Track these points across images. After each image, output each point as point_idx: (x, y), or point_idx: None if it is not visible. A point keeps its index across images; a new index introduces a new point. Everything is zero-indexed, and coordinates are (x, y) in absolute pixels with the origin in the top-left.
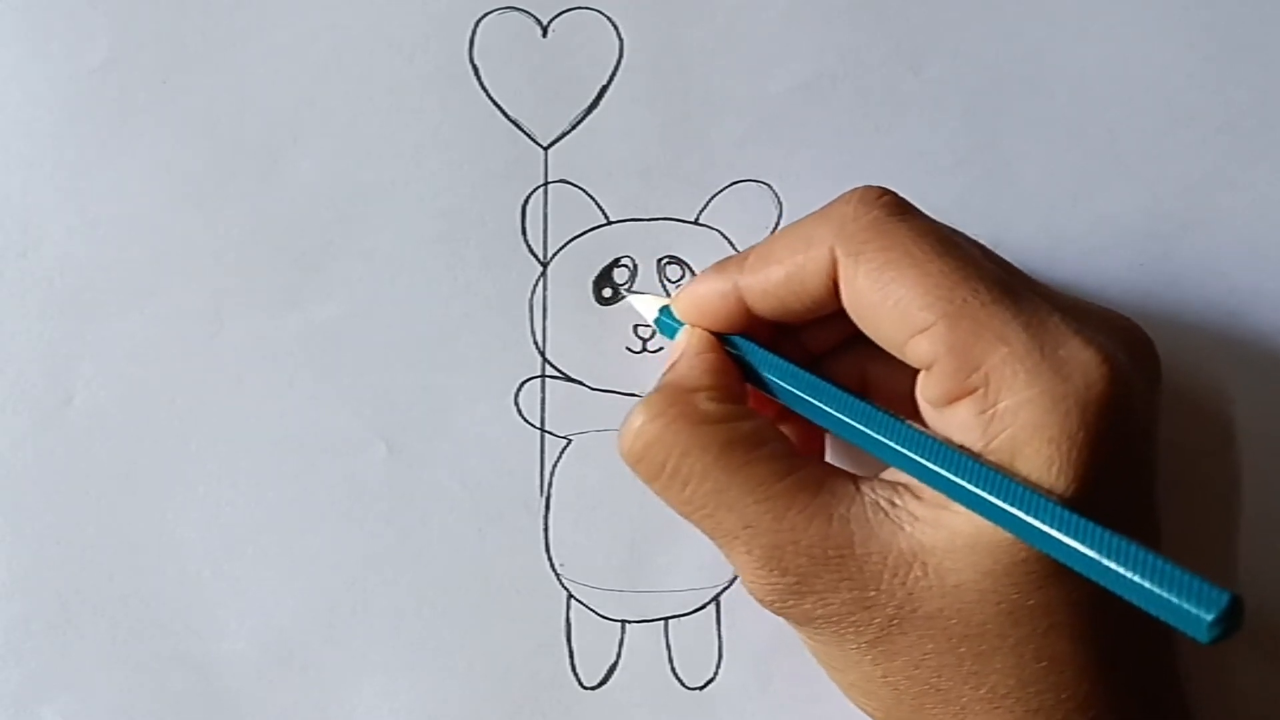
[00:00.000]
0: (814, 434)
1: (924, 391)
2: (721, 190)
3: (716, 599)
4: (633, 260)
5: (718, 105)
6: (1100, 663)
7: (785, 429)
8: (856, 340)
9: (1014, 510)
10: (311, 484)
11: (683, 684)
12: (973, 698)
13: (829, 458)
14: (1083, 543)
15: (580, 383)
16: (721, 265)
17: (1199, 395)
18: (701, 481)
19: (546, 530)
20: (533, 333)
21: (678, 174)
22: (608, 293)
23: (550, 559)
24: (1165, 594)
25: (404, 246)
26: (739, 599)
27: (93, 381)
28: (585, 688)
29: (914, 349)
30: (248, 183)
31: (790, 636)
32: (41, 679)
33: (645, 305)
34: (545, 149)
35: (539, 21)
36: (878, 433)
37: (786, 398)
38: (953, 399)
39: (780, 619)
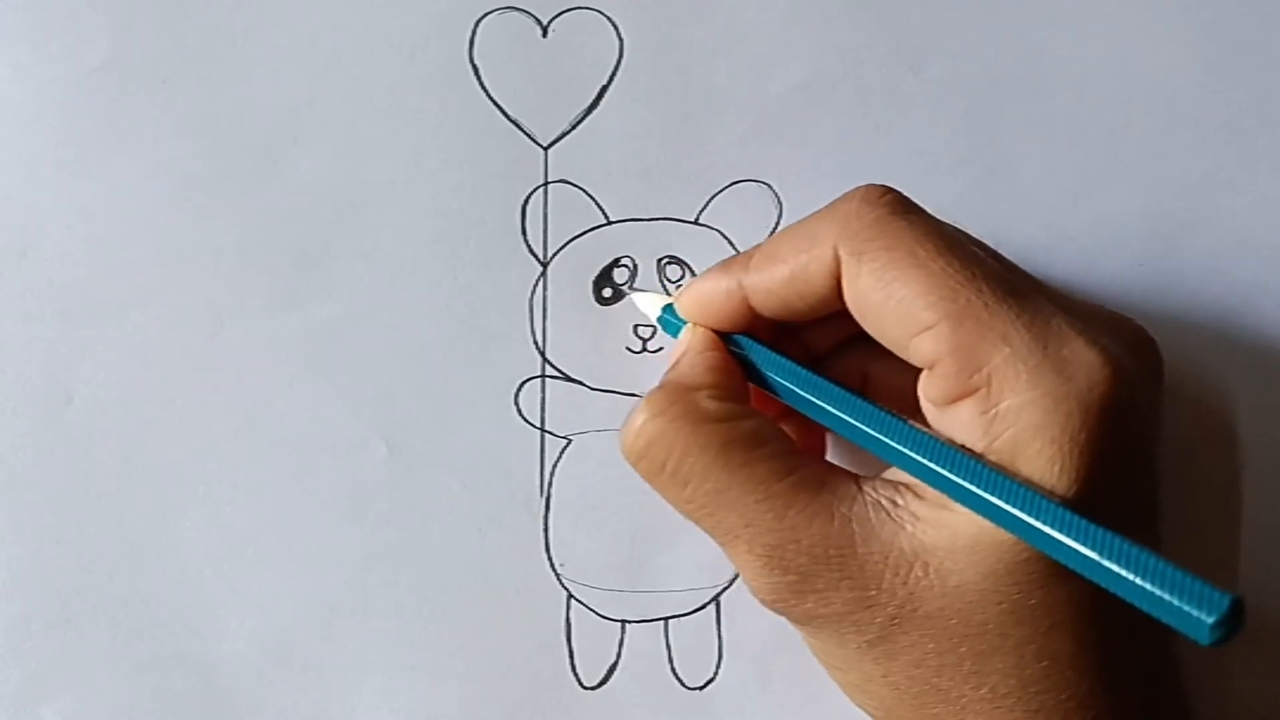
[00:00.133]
0: (816, 433)
1: (926, 391)
2: (721, 190)
3: (716, 599)
4: (633, 260)
5: (718, 105)
6: (1101, 663)
7: (787, 428)
8: (858, 340)
9: (1015, 511)
10: (311, 484)
11: (683, 684)
12: (973, 697)
13: (830, 457)
14: (1083, 544)
15: (580, 383)
16: (725, 264)
17: (1200, 395)
18: (702, 480)
19: (546, 530)
20: (533, 333)
21: (678, 174)
22: (608, 293)
23: (550, 559)
24: (1166, 596)
25: (404, 246)
26: (739, 599)
27: (93, 381)
28: (585, 688)
29: (917, 348)
30: (248, 183)
31: (790, 636)
32: (41, 679)
33: (648, 303)
34: (545, 149)
35: (539, 21)
36: (879, 432)
37: (789, 397)
38: (955, 399)
39: (781, 619)
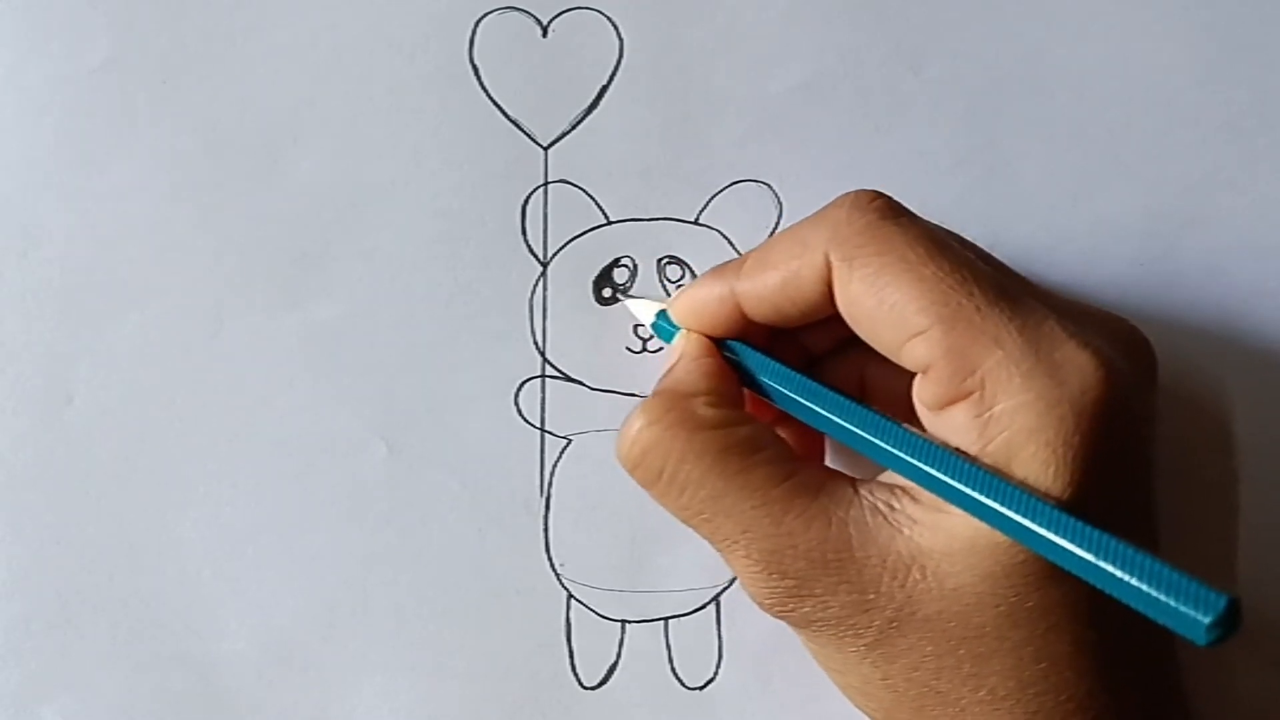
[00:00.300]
0: (814, 437)
1: (920, 395)
2: (721, 190)
3: (716, 599)
4: (633, 260)
5: (718, 105)
6: (1100, 664)
7: (783, 432)
8: (854, 342)
9: (1010, 513)
10: (311, 484)
11: (683, 684)
12: (972, 699)
13: (829, 460)
14: (1079, 545)
15: (580, 383)
16: (718, 270)
17: (1198, 395)
18: (699, 487)
19: (546, 530)
20: (533, 333)
21: (678, 174)
22: (608, 293)
23: (550, 559)
24: (1162, 597)
25: (404, 246)
26: (739, 599)
27: (93, 381)
28: (585, 688)
29: (909, 353)
30: (248, 183)
31: (790, 636)
32: (41, 679)
33: (642, 309)
34: (545, 149)
35: (539, 21)
36: (874, 436)
37: (783, 402)
38: (949, 402)
39: (782, 622)
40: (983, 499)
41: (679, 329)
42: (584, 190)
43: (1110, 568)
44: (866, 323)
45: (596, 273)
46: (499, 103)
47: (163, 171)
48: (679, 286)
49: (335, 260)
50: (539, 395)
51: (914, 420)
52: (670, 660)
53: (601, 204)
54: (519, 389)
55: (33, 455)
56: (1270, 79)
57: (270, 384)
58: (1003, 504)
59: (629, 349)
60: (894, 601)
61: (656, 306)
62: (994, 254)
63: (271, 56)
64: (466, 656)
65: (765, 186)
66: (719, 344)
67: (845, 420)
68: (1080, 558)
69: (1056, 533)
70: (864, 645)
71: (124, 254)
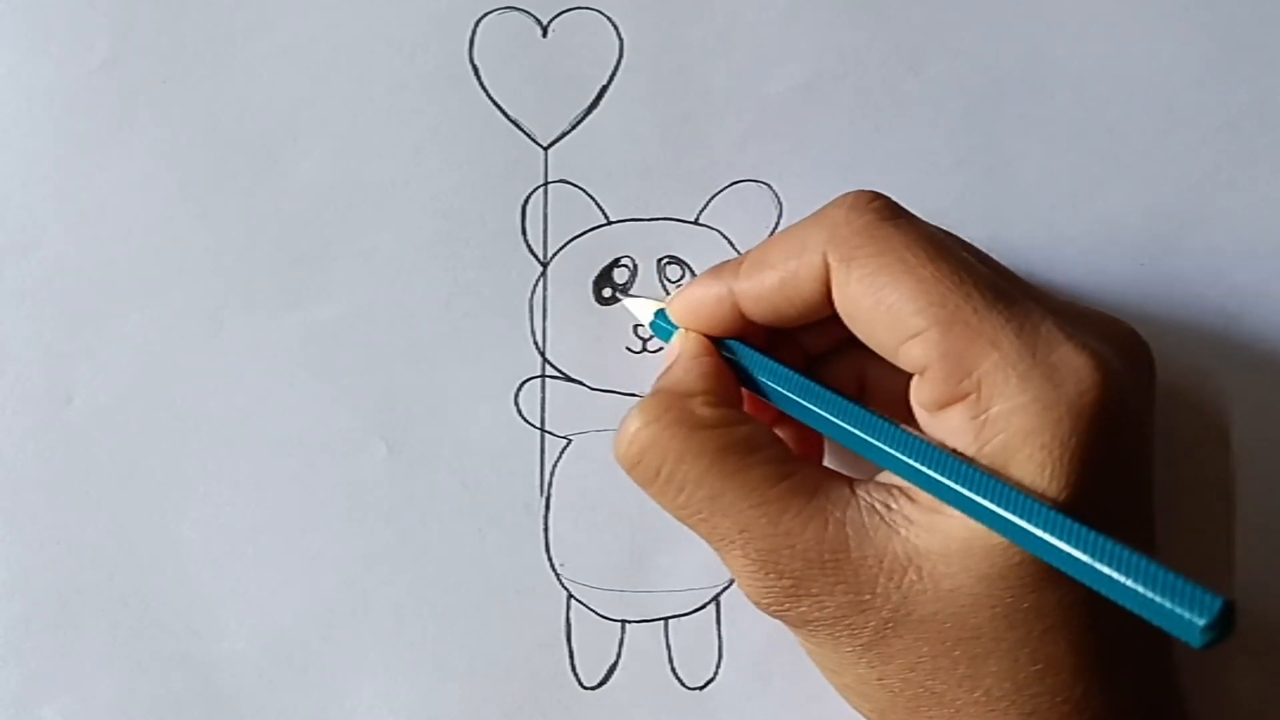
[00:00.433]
0: (811, 437)
1: (917, 396)
2: (721, 190)
3: (716, 599)
4: (633, 260)
5: (718, 105)
6: (1096, 665)
7: (781, 432)
8: (853, 342)
9: (1006, 514)
10: (311, 484)
11: (683, 684)
12: (968, 700)
13: (826, 461)
14: (1075, 547)
15: (580, 383)
16: (716, 270)
17: (1198, 396)
18: (697, 487)
19: (546, 530)
20: (533, 333)
21: (678, 174)
22: (608, 293)
23: (550, 559)
24: (1157, 598)
25: (404, 246)
26: (739, 599)
27: (93, 381)
28: (585, 688)
29: (907, 354)
30: (248, 183)
31: (790, 636)
32: (41, 679)
33: (641, 308)
34: (545, 149)
35: (539, 21)
36: (872, 437)
37: (781, 402)
38: (945, 404)
39: (779, 622)
40: (979, 500)
41: (677, 328)
42: (584, 190)
43: (1106, 569)
44: (864, 323)
45: (596, 273)
46: (499, 103)
47: (163, 171)
48: (679, 286)
49: (335, 260)
50: (539, 395)
51: (911, 421)
52: (670, 660)
53: (601, 204)
54: (519, 389)
55: (33, 455)
56: (1270, 79)
57: (270, 384)
58: (999, 505)
59: (629, 349)
60: (890, 602)
61: (655, 305)
62: (993, 254)
63: (271, 56)
64: (466, 656)
65: (765, 186)
66: (717, 344)
67: (843, 420)
68: (1076, 559)
69: (1052, 534)
70: (860, 645)
71: (124, 254)
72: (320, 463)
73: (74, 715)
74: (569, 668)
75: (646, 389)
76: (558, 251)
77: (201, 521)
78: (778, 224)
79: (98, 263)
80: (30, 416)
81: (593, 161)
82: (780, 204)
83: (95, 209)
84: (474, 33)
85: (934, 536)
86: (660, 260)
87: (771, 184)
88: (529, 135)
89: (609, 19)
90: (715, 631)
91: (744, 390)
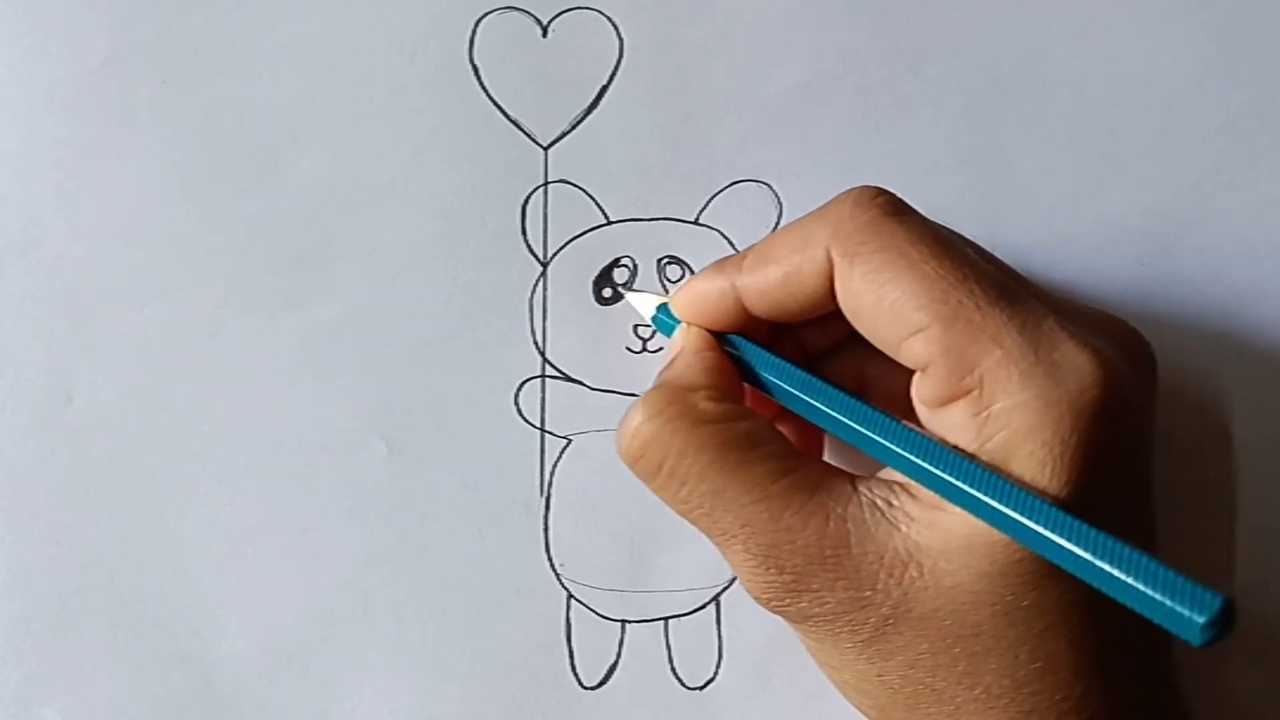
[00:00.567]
0: (812, 433)
1: (919, 393)
2: (721, 190)
3: (716, 599)
4: (633, 260)
5: (718, 105)
6: (1095, 663)
7: (783, 428)
8: (854, 340)
9: (1008, 510)
10: (311, 484)
11: (683, 684)
12: (967, 698)
13: (827, 456)
14: (1075, 544)
15: (580, 383)
16: (720, 264)
17: (1198, 395)
18: (699, 481)
19: (546, 530)
20: (533, 333)
21: (678, 174)
22: (608, 293)
23: (550, 559)
24: (1157, 596)
25: (404, 246)
26: (739, 599)
27: (93, 381)
28: (585, 688)
29: (909, 350)
30: (248, 183)
31: (790, 636)
32: (41, 679)
33: (643, 303)
34: (545, 149)
35: (539, 21)
36: (874, 433)
37: (783, 397)
38: (947, 400)
39: (780, 618)
40: (981, 496)
41: (680, 323)
42: (584, 190)
43: (1106, 566)
44: (867, 319)
45: (596, 273)
46: (499, 103)
47: (163, 171)
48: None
49: (335, 260)
50: (539, 395)
51: (912, 419)
52: (670, 660)
53: (601, 204)
54: (519, 389)
55: (33, 455)
56: (1270, 79)
57: (270, 384)
58: (1000, 501)
59: (629, 349)
60: (890, 598)
61: (657, 300)
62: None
63: (271, 56)
64: (466, 656)
65: (765, 186)
66: (720, 339)
67: (846, 416)
68: (1077, 556)
69: (1053, 531)
70: (860, 641)
71: (124, 254)
72: (320, 463)
73: (74, 715)
74: (569, 668)
75: (646, 389)
76: (558, 251)
77: (201, 521)
78: (777, 224)
79: (98, 263)
80: (30, 416)
81: (593, 161)
82: (780, 204)
83: (95, 209)
84: (474, 33)
85: (935, 533)
86: (660, 260)
87: (771, 184)
88: (529, 135)
89: (609, 19)
90: (715, 631)
91: (746, 386)
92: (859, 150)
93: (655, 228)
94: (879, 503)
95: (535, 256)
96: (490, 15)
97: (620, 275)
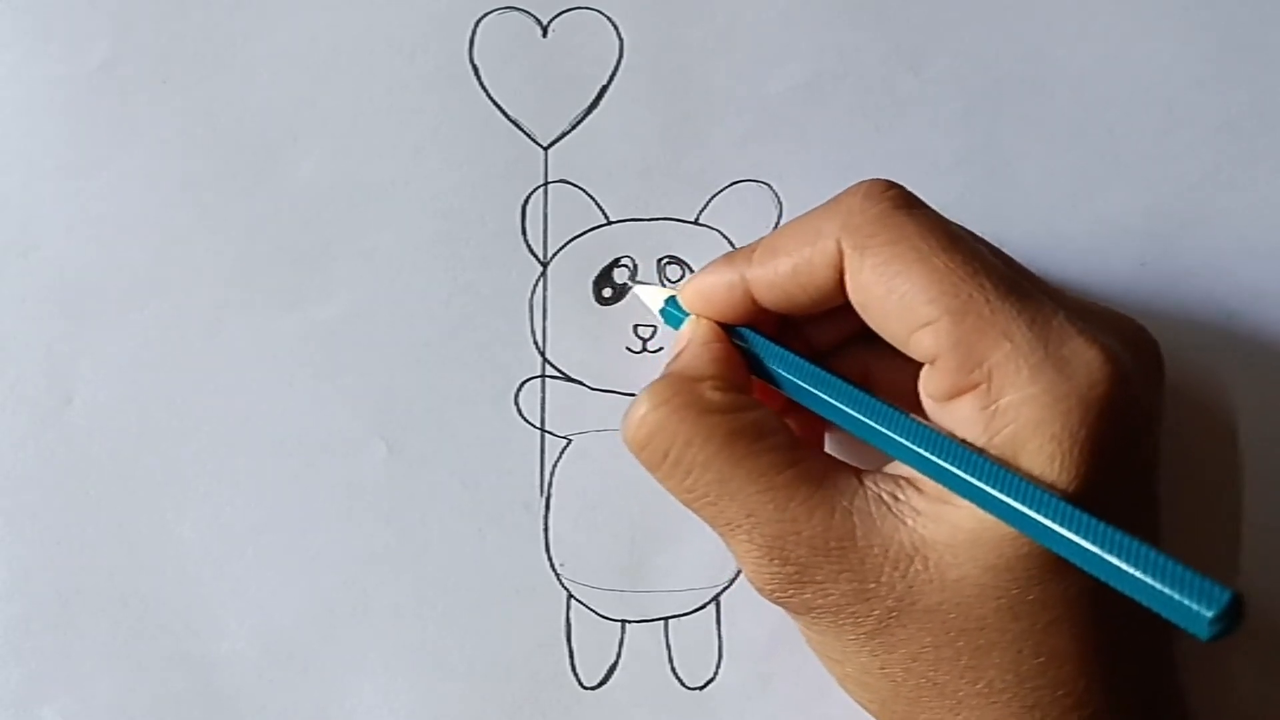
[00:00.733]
0: (814, 428)
1: (927, 386)
2: (721, 190)
3: (716, 599)
4: (633, 260)
5: (718, 105)
6: (1099, 659)
7: (788, 421)
8: (861, 337)
9: (1016, 504)
10: (311, 484)
11: (683, 684)
12: (970, 692)
13: (830, 450)
14: (1085, 537)
15: (580, 383)
16: (728, 257)
17: (1200, 394)
18: (704, 471)
19: (546, 530)
20: (533, 333)
21: (678, 174)
22: (608, 293)
23: (550, 559)
24: (1166, 590)
25: (404, 246)
26: (739, 599)
27: (93, 381)
28: (585, 688)
29: (918, 343)
30: (248, 183)
31: (790, 636)
32: (41, 679)
33: (651, 296)
34: (545, 149)
35: (539, 21)
36: (882, 426)
37: (791, 389)
38: (955, 394)
39: (781, 617)
40: (989, 489)
41: (688, 315)
42: (584, 190)
43: (1115, 560)
44: (875, 312)
45: (596, 273)
46: (499, 103)
47: (162, 172)
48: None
49: (335, 260)
50: (539, 395)
51: (920, 414)
52: (670, 660)
53: (601, 204)
54: (519, 389)
55: (33, 455)
56: (1270, 79)
57: (270, 384)
58: (1008, 495)
59: (629, 349)
60: (894, 591)
61: (666, 293)
62: None
63: (271, 56)
64: (466, 656)
65: (765, 186)
66: (728, 331)
67: (853, 409)
68: (1085, 549)
69: (1062, 525)
70: (863, 634)
71: (124, 254)
72: (320, 463)
73: (74, 715)
74: (569, 668)
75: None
76: (558, 251)
77: (201, 521)
78: (777, 224)
79: (98, 263)
80: (30, 416)
81: (593, 161)
82: (780, 204)
83: (95, 209)
84: (474, 33)
85: (941, 527)
86: (660, 260)
87: (771, 184)
88: (529, 135)
89: (609, 19)
90: (715, 631)
91: (754, 378)
92: (859, 150)
93: (655, 228)
94: (885, 496)
95: (535, 256)
96: (490, 15)
97: (620, 275)
